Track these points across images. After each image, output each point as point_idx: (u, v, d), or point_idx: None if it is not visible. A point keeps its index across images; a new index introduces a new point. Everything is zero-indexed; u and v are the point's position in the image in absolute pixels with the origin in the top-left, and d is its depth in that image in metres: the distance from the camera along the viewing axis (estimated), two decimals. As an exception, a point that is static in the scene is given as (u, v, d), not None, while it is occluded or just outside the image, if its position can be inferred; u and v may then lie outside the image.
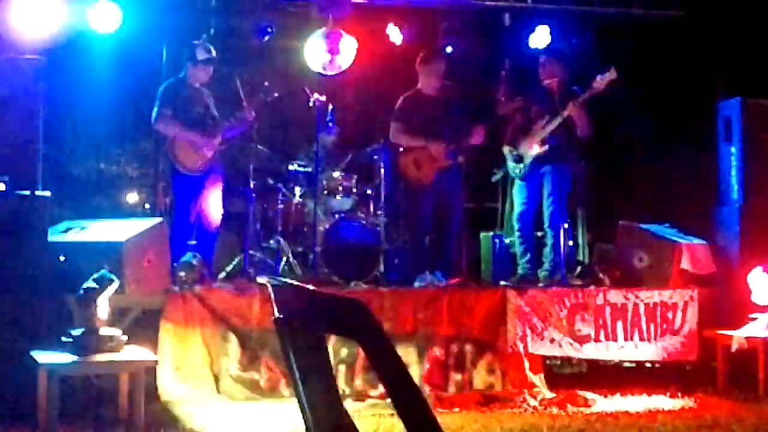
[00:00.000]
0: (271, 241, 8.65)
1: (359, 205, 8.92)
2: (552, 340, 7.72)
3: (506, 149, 8.78)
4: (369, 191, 8.94)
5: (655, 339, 7.87)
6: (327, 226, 8.44)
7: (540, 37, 9.89)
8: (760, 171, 8.75)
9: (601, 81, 8.33)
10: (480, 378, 7.61)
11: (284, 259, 8.54)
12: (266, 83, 8.45)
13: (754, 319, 7.76)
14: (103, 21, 8.63)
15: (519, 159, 8.67)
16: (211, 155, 8.31)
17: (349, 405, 6.81)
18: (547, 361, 8.04)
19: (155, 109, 8.26)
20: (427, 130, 8.61)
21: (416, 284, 8.10)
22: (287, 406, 6.62)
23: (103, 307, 6.09)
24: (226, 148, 8.57)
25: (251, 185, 8.34)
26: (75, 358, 5.92)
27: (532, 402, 7.24)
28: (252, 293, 7.30)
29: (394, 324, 7.49)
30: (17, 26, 7.52)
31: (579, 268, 9.00)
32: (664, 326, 7.89)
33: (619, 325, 7.83)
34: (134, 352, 6.18)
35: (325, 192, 8.80)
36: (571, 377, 8.15)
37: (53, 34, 8.05)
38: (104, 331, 6.07)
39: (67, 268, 6.78)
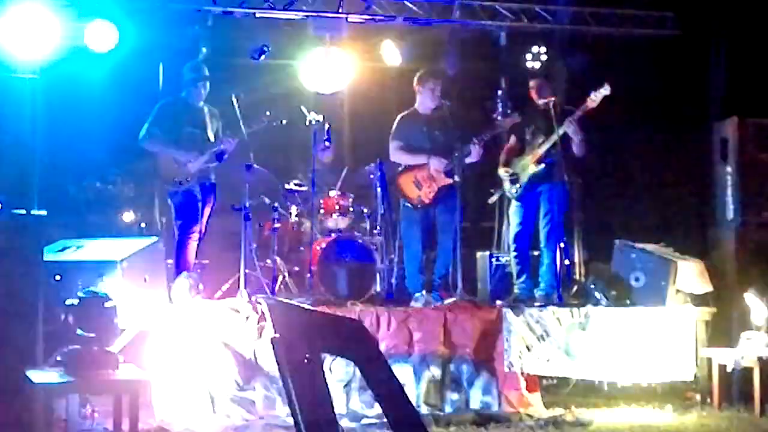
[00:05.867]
0: (268, 260, 8.63)
1: (355, 224, 8.91)
2: (548, 360, 7.70)
3: (501, 171, 8.76)
4: (365, 210, 8.94)
5: (651, 358, 7.84)
6: (323, 245, 8.43)
7: (536, 57, 9.92)
8: (756, 191, 8.77)
9: (594, 97, 8.35)
10: (476, 397, 7.60)
11: (280, 278, 8.52)
12: (268, 112, 8.38)
13: (749, 338, 7.75)
14: (99, 40, 8.64)
15: (515, 180, 8.65)
16: (194, 170, 8.26)
17: (345, 425, 6.79)
18: (544, 381, 8.03)
19: (144, 126, 8.24)
20: (425, 149, 8.59)
21: (413, 304, 8.10)
22: (284, 426, 6.61)
23: (99, 325, 6.07)
24: (221, 168, 8.53)
25: (247, 204, 8.32)
26: (70, 377, 5.90)
27: (529, 422, 7.21)
28: (248, 312, 7.30)
29: (390, 343, 7.49)
30: (14, 45, 7.55)
31: (575, 287, 8.99)
32: (661, 345, 7.86)
33: (616, 344, 7.81)
34: (130, 371, 6.16)
35: (322, 211, 8.80)
36: (567, 396, 8.13)
37: (50, 53, 8.08)
38: (99, 349, 6.05)
39: (63, 287, 6.77)
